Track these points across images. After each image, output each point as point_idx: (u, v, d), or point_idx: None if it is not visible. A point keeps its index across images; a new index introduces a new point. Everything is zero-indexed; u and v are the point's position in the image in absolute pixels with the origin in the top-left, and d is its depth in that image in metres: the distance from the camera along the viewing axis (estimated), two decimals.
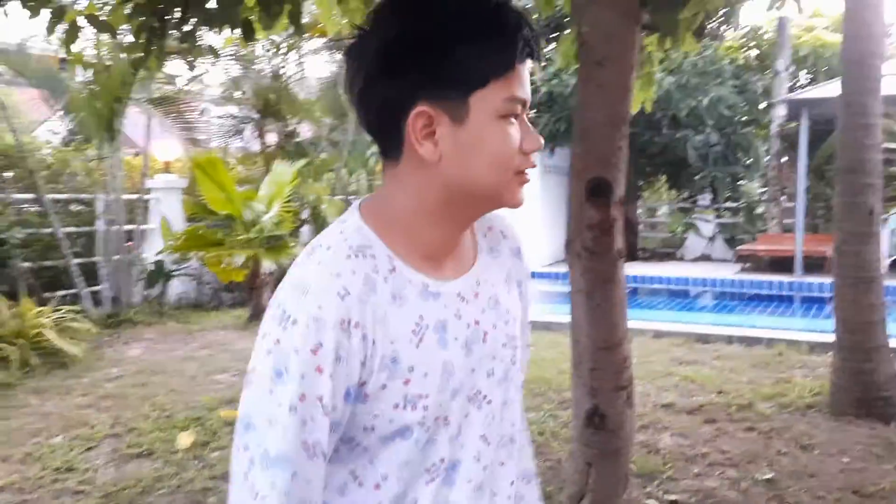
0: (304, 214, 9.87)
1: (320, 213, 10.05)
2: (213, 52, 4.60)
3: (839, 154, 4.69)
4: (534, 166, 0.91)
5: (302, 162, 9.10)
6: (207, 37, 4.77)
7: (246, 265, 7.59)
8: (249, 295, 8.38)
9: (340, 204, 10.54)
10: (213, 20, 3.39)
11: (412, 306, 0.89)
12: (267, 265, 7.61)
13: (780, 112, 12.69)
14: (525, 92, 0.87)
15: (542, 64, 11.44)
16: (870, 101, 4.47)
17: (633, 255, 12.89)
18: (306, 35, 9.58)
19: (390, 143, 0.89)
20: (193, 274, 9.24)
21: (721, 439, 4.19)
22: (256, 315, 7.92)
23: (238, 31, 3.49)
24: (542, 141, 0.90)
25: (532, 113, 12.42)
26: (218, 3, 3.30)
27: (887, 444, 4.07)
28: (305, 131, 11.54)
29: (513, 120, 0.87)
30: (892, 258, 10.87)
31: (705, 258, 13.71)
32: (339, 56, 11.32)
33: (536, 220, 11.87)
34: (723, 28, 14.37)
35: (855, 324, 4.56)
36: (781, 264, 11.26)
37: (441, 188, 0.88)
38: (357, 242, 0.88)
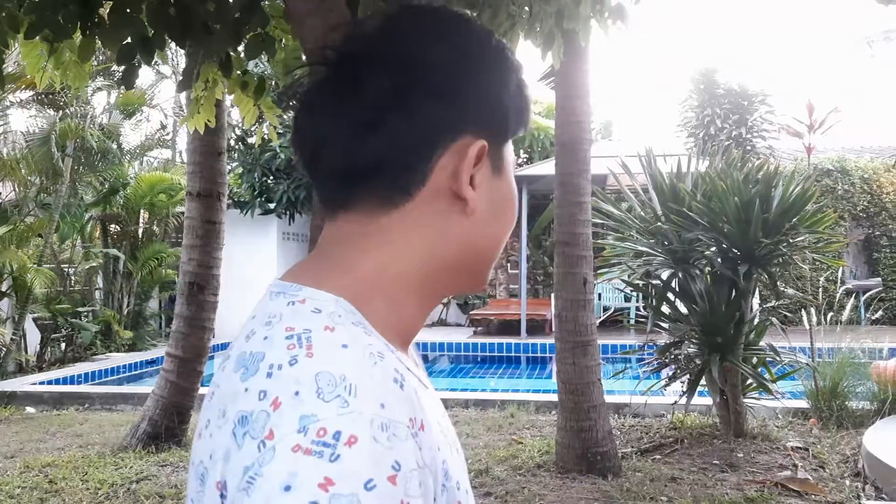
0: (4, 286, 8.60)
1: (25, 283, 8.84)
2: None
3: (556, 229, 5.11)
4: None
5: (2, 229, 7.96)
6: None
7: None
8: None
9: (49, 273, 9.37)
10: None
11: (426, 402, 0.64)
12: None
13: None
14: None
15: (280, 131, 11.33)
16: (581, 182, 4.95)
17: None
18: (10, 86, 8.56)
19: (402, 182, 0.66)
20: None
21: None
22: None
23: None
24: None
25: (270, 180, 12.22)
26: None
27: (606, 498, 4.37)
28: (7, 192, 10.19)
29: None
30: (600, 319, 12.15)
31: (441, 323, 14.29)
32: (51, 110, 10.25)
33: None
34: None
35: (574, 385, 4.91)
36: (509, 327, 12.06)
37: (462, 243, 0.69)
38: (353, 319, 0.62)
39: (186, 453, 5.42)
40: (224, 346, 12.18)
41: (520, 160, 16.18)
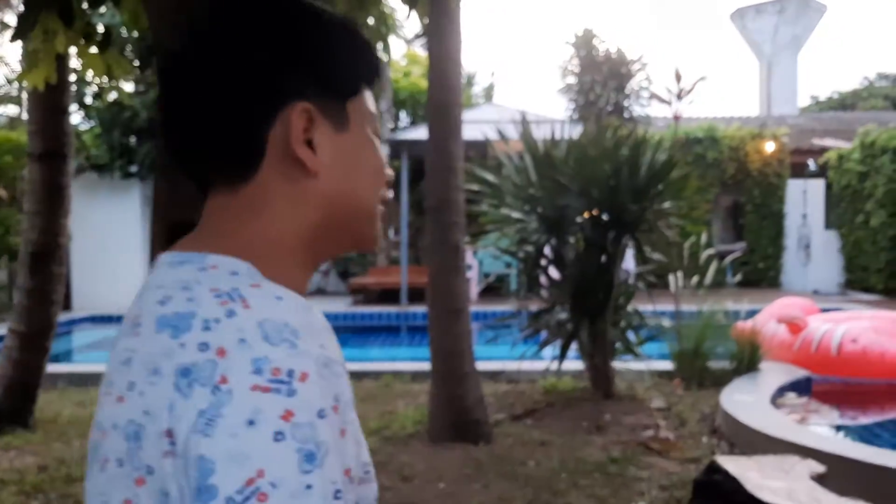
0: None
1: None
2: None
3: (428, 194, 5.00)
4: (389, 197, 0.80)
5: None
6: None
7: None
8: None
9: None
10: None
11: None
12: None
13: (385, 150, 13.60)
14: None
15: (143, 88, 10.62)
16: (453, 146, 4.84)
17: None
18: None
19: (239, 158, 0.69)
20: None
21: None
22: None
23: None
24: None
25: (131, 141, 11.46)
26: None
27: (476, 465, 4.35)
28: None
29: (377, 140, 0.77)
30: (482, 286, 12.24)
31: (321, 292, 13.99)
32: None
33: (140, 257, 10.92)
34: None
35: (446, 352, 4.85)
36: (390, 295, 11.93)
37: (322, 203, 0.71)
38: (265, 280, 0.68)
39: (34, 436, 5.02)
40: (80, 321, 11.34)
41: (403, 124, 15.99)
